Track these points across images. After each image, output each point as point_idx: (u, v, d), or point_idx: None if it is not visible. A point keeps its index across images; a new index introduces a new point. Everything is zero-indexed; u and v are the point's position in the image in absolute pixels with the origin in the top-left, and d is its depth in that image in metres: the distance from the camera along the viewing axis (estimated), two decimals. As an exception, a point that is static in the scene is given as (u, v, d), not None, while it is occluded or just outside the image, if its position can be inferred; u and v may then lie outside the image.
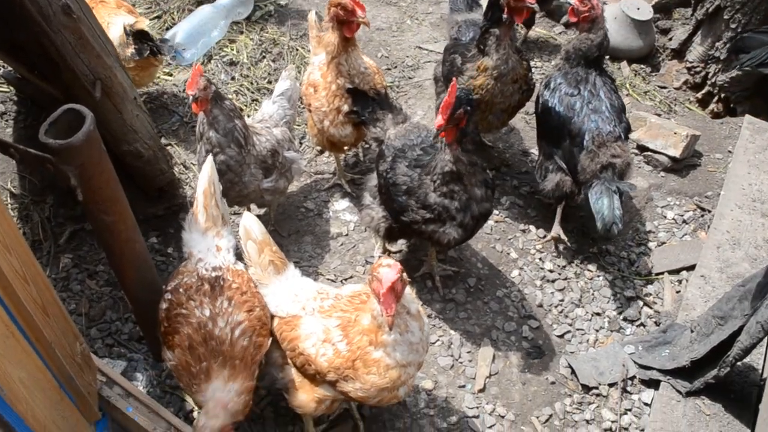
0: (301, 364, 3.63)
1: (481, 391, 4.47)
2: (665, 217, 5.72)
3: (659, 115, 6.58)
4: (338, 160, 5.71)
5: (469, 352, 4.66)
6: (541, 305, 5.00)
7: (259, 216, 5.48)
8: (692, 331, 4.41)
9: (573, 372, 4.61)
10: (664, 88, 7.16)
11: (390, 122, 4.70)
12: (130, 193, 5.46)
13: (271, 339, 3.75)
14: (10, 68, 6.23)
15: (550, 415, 4.39)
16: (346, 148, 5.61)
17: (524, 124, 6.48)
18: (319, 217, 5.53)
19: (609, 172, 4.69)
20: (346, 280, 5.04)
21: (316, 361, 3.52)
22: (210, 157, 4.03)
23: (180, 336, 3.51)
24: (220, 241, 3.95)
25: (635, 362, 4.62)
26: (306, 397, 3.73)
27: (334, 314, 3.60)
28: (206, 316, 3.54)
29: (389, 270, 3.08)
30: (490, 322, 4.85)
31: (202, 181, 3.92)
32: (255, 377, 3.62)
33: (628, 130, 4.99)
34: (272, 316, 3.82)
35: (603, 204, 4.55)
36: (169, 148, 6.04)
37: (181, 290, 3.70)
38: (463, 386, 4.49)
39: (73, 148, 3.14)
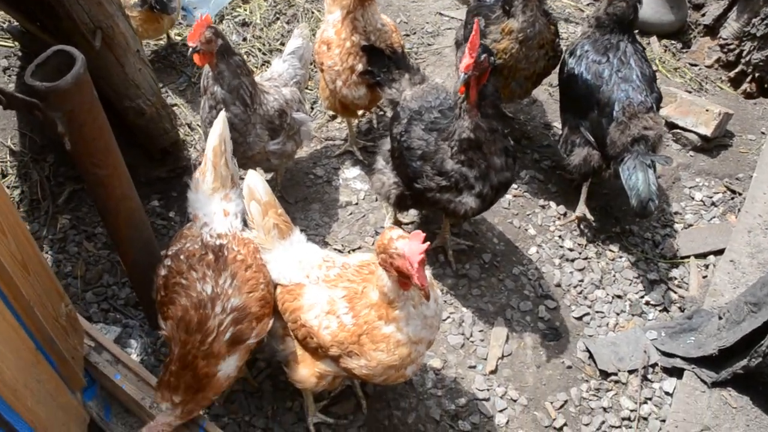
0: (303, 336, 3.38)
1: (493, 372, 4.22)
2: (693, 198, 5.41)
3: (689, 93, 6.24)
4: (350, 126, 5.43)
5: (481, 331, 4.40)
6: (559, 285, 4.73)
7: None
8: (721, 318, 4.13)
9: (591, 356, 4.35)
10: (695, 65, 6.81)
11: (406, 83, 4.40)
12: (132, 154, 5.28)
13: (272, 319, 3.49)
14: (15, 23, 5.99)
15: (566, 401, 4.14)
16: (359, 112, 5.33)
17: (547, 96, 6.17)
18: (329, 185, 5.27)
19: (641, 145, 4.38)
20: (354, 250, 4.79)
21: (318, 334, 3.27)
22: (223, 113, 3.75)
23: (176, 308, 3.27)
24: (228, 204, 3.67)
25: (657, 349, 4.34)
26: (307, 371, 3.49)
27: (340, 284, 3.35)
28: (207, 295, 3.27)
29: (413, 243, 2.79)
30: (504, 301, 4.59)
31: (212, 137, 3.64)
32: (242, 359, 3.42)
33: (659, 100, 4.67)
34: (275, 285, 3.56)
35: (637, 179, 4.25)
36: (175, 108, 5.77)
37: (182, 257, 3.44)
38: (474, 367, 4.24)
39: (61, 92, 2.89)
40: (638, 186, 4.23)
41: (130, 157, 5.15)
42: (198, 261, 3.38)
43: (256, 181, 3.55)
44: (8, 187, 5.16)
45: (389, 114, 4.83)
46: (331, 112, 5.81)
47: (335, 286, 3.34)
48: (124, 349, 4.26)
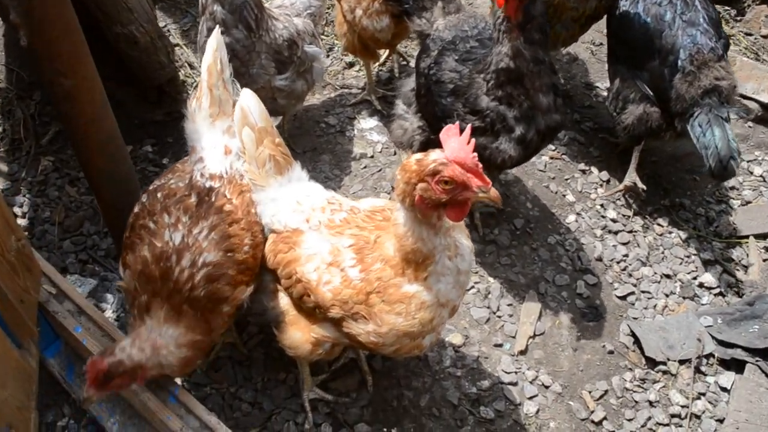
0: (299, 294, 2.79)
1: (522, 353, 3.62)
2: (752, 173, 4.79)
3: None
4: (369, 72, 4.82)
5: (509, 305, 3.80)
6: (600, 259, 4.11)
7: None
8: (792, 305, 3.51)
9: (636, 341, 3.75)
10: (750, 35, 6.15)
11: (439, 12, 3.78)
12: (125, 93, 4.79)
13: (250, 288, 2.91)
14: None
15: (606, 391, 3.53)
16: (380, 51, 4.72)
17: (589, 54, 5.53)
18: (342, 135, 4.66)
19: (713, 98, 3.73)
20: (366, 207, 4.18)
21: (317, 291, 2.69)
22: (217, 30, 3.15)
23: (134, 256, 2.71)
24: (231, 141, 3.08)
25: (714, 337, 3.73)
26: (300, 336, 2.91)
27: (346, 231, 2.75)
28: (173, 246, 2.70)
29: (452, 140, 2.31)
30: (537, 272, 3.98)
31: (207, 54, 3.06)
32: (214, 334, 2.86)
33: (727, 47, 4.02)
34: (270, 232, 2.97)
35: (713, 136, 3.62)
36: (177, 50, 5.19)
37: (159, 194, 2.87)
38: (500, 345, 3.64)
39: (13, -34, 2.30)
40: (715, 143, 3.60)
41: (123, 97, 4.71)
42: (176, 203, 2.80)
43: (250, 101, 2.93)
44: (-10, 125, 4.64)
45: (410, 55, 4.21)
46: (348, 58, 5.22)
47: (340, 234, 2.74)
48: (99, 303, 3.73)
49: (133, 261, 2.71)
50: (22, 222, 4.12)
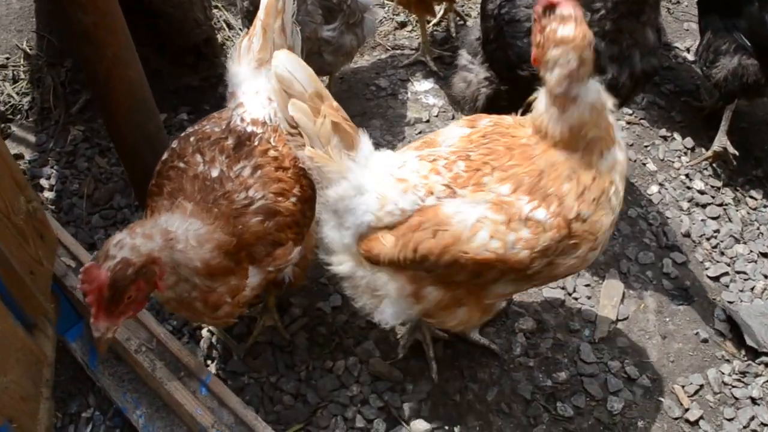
0: (470, 274, 2.26)
1: (604, 340, 3.15)
2: None
3: None
4: (424, 30, 4.37)
5: (587, 286, 3.33)
6: (687, 235, 3.61)
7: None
8: None
9: (733, 328, 3.25)
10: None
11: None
12: (160, 57, 4.44)
13: (298, 248, 2.49)
14: None
15: (701, 386, 3.05)
16: (437, 8, 4.26)
17: (665, 13, 4.97)
18: (394, 98, 4.22)
19: None
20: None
21: (509, 258, 2.18)
22: None
23: (162, 198, 2.29)
24: None
25: (826, 324, 3.20)
26: (467, 310, 2.44)
27: (486, 178, 2.21)
28: (210, 177, 2.30)
29: None
30: (618, 249, 3.49)
31: None
32: (246, 292, 2.41)
33: None
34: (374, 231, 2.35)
35: None
36: (216, 12, 4.82)
37: (192, 139, 2.48)
38: (578, 331, 3.17)
39: None
40: None
41: (158, 61, 4.35)
42: (210, 144, 2.41)
43: (289, 63, 2.24)
44: (18, 94, 4.34)
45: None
46: (400, 17, 4.77)
47: (482, 184, 2.21)
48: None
49: (160, 203, 2.31)
50: (49, 195, 3.80)
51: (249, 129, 2.51)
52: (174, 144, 2.51)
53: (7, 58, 4.60)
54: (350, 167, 2.29)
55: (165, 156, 2.50)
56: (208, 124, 2.56)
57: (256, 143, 2.45)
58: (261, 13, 2.68)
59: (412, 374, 2.99)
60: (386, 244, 2.27)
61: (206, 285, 2.20)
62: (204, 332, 3.14)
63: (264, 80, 2.64)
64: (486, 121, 2.41)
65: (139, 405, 2.72)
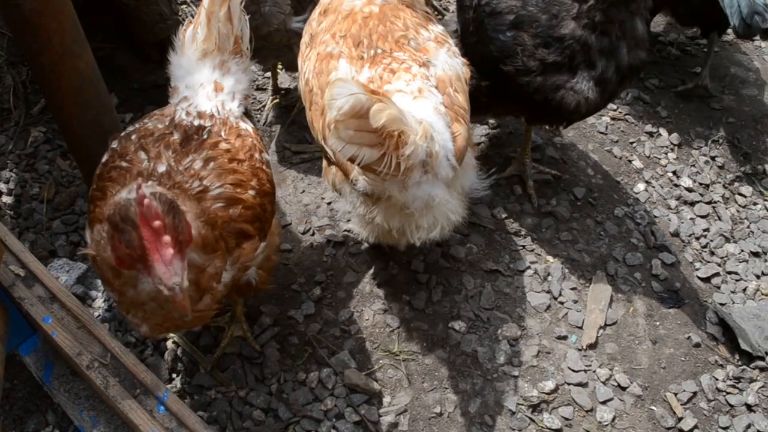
0: None
1: (592, 346, 2.98)
2: None
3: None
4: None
5: (574, 289, 3.16)
6: (676, 234, 3.46)
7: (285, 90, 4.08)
8: None
9: (726, 332, 3.11)
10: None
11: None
12: (125, 53, 4.24)
13: (261, 246, 2.31)
14: None
15: (694, 393, 2.90)
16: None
17: (649, 7, 4.83)
18: (369, 95, 4.03)
19: None
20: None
21: None
22: None
23: (105, 203, 2.07)
24: (225, 78, 2.54)
25: (821, 326, 3.07)
26: None
27: None
28: (158, 172, 2.10)
29: None
30: (605, 250, 3.33)
31: None
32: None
33: None
34: None
35: None
36: (184, 8, 4.61)
37: (133, 137, 2.27)
38: (565, 338, 3.00)
39: None
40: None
41: (122, 58, 4.15)
42: (155, 141, 2.20)
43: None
44: (-23, 94, 4.12)
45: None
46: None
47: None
48: (88, 291, 3.18)
49: (103, 210, 2.05)
50: (7, 200, 3.59)
51: (196, 123, 2.32)
52: (113, 144, 2.30)
53: (-38, 63, 4.38)
54: None
55: (105, 158, 2.28)
56: (149, 121, 2.36)
57: (205, 137, 2.26)
58: (205, 0, 2.49)
59: (389, 386, 2.82)
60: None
61: (201, 259, 1.99)
62: (169, 344, 2.94)
63: (209, 70, 2.46)
64: None
65: (96, 423, 2.52)
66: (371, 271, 3.17)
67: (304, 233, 3.32)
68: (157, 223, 1.64)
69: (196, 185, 2.08)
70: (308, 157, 3.67)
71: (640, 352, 3.00)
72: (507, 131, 3.83)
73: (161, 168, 2.10)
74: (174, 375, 2.86)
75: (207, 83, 2.46)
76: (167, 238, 1.65)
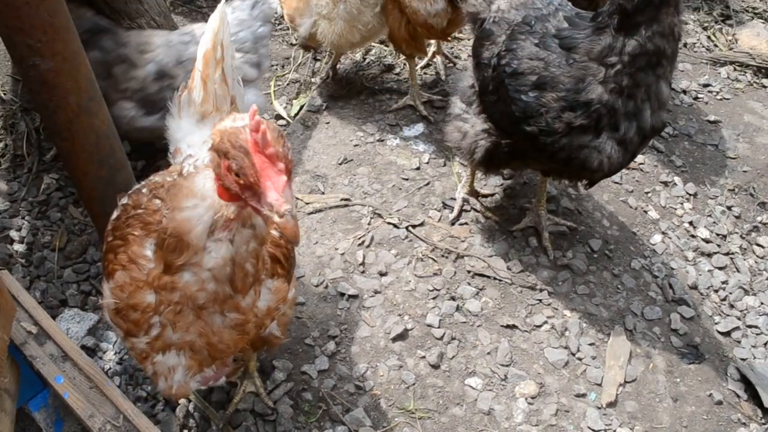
0: None
1: (612, 405, 2.92)
2: None
3: None
4: (413, 72, 4.21)
5: (591, 345, 3.11)
6: (695, 287, 3.41)
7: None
8: None
9: (749, 388, 3.04)
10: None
11: (498, -11, 3.14)
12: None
13: (292, 291, 2.27)
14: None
15: (718, 453, 2.82)
16: (429, 44, 4.12)
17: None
18: (382, 144, 4.03)
19: None
20: (414, 227, 3.54)
21: None
22: (222, 5, 2.56)
23: (129, 247, 2.04)
24: None
25: None
26: None
27: None
28: None
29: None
30: (622, 304, 3.28)
31: (205, 38, 2.47)
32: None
33: None
34: None
35: None
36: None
37: (144, 190, 2.26)
38: (584, 395, 2.94)
39: None
40: None
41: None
42: (167, 191, 2.18)
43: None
44: (-9, 139, 4.14)
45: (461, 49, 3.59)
46: (387, 61, 4.63)
47: None
48: (99, 343, 3.14)
49: (124, 257, 2.03)
50: (19, 247, 3.57)
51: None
52: (123, 200, 2.27)
53: (-21, 105, 4.41)
54: None
55: (116, 214, 2.23)
56: (157, 177, 2.34)
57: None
58: (199, 64, 2.48)
59: (404, 444, 2.75)
60: None
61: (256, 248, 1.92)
62: (180, 399, 2.89)
63: (209, 129, 2.45)
64: None
65: (105, 485, 2.46)
66: (386, 324, 3.12)
67: (317, 285, 3.29)
68: (270, 150, 1.59)
69: None
70: (320, 207, 3.65)
71: (661, 411, 2.93)
72: (521, 181, 3.82)
73: None
74: (185, 431, 2.81)
75: (209, 140, 2.45)
76: (281, 165, 1.59)
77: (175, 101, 2.56)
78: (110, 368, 3.01)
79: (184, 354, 2.06)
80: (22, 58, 2.14)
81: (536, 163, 3.07)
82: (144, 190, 2.23)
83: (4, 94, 4.46)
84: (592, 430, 2.82)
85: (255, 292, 2.02)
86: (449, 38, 4.35)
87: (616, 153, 2.69)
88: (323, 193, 3.73)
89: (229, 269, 1.85)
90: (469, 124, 3.17)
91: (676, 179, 3.93)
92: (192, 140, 2.47)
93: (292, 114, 4.31)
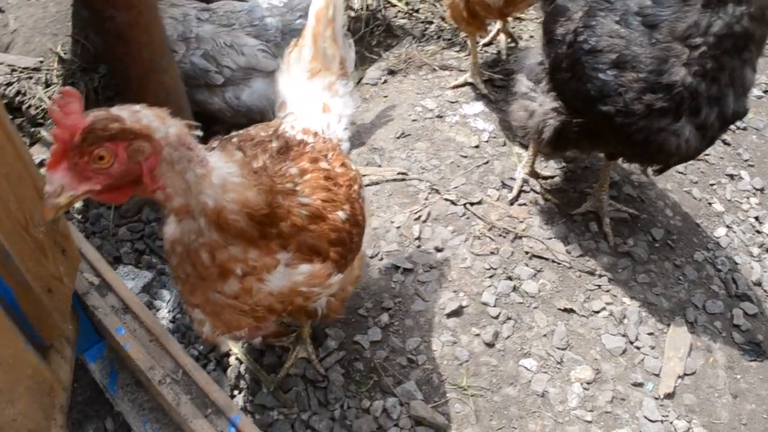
0: None
1: (669, 396, 2.85)
2: None
3: None
4: (474, 50, 4.13)
5: (650, 335, 3.04)
6: (759, 283, 3.31)
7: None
8: None
9: (812, 390, 2.94)
10: None
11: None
12: None
13: (336, 278, 2.20)
14: None
15: (778, 454, 2.74)
16: (489, 22, 4.05)
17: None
18: (441, 121, 3.98)
19: None
20: (472, 204, 3.48)
21: None
22: None
23: None
24: (332, 99, 2.53)
25: None
26: None
27: None
28: (253, 167, 2.06)
29: None
30: (684, 296, 3.20)
31: None
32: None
33: None
34: None
35: None
36: None
37: (234, 140, 2.26)
38: (641, 385, 2.88)
39: None
40: None
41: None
42: (253, 145, 2.17)
43: None
44: (49, 98, 4.17)
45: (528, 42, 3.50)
46: (447, 36, 4.56)
47: None
48: (152, 301, 3.16)
49: None
50: (75, 204, 3.58)
51: (299, 137, 2.30)
52: (213, 144, 2.28)
53: (41, 62, 4.44)
54: None
55: None
56: (253, 129, 2.34)
57: (306, 150, 2.23)
58: (311, 21, 2.50)
59: (456, 421, 2.72)
60: None
61: (214, 237, 1.81)
62: (232, 360, 2.90)
63: (317, 90, 2.45)
64: None
65: (160, 439, 2.48)
66: (440, 300, 3.08)
67: (372, 257, 3.26)
68: (58, 132, 1.51)
69: (288, 185, 2.02)
70: (377, 179, 3.61)
71: (719, 406, 2.85)
72: (582, 165, 3.73)
73: (256, 164, 2.05)
74: (236, 392, 2.81)
75: (315, 102, 2.46)
76: (58, 148, 1.52)
77: (285, 57, 2.59)
78: (163, 326, 3.02)
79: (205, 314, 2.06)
80: (99, 10, 2.13)
81: (607, 144, 2.99)
82: (234, 140, 2.23)
83: (64, 54, 4.49)
84: (649, 420, 2.75)
85: (241, 282, 1.96)
86: (508, 18, 4.28)
87: (695, 138, 2.60)
88: (380, 166, 3.69)
89: (180, 249, 1.83)
90: (536, 102, 3.10)
91: (743, 173, 3.81)
92: (299, 97, 2.50)
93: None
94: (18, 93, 4.22)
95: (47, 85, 4.31)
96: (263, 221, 1.84)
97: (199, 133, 1.74)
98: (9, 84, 4.26)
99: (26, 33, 4.58)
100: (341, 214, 2.14)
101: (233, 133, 2.33)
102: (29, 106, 4.16)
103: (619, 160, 3.39)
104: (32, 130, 4.00)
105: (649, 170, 3.20)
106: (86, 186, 1.55)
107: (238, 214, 1.77)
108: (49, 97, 4.23)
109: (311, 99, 2.45)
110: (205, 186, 1.69)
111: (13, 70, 4.39)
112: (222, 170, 1.73)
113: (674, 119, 2.58)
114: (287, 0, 3.52)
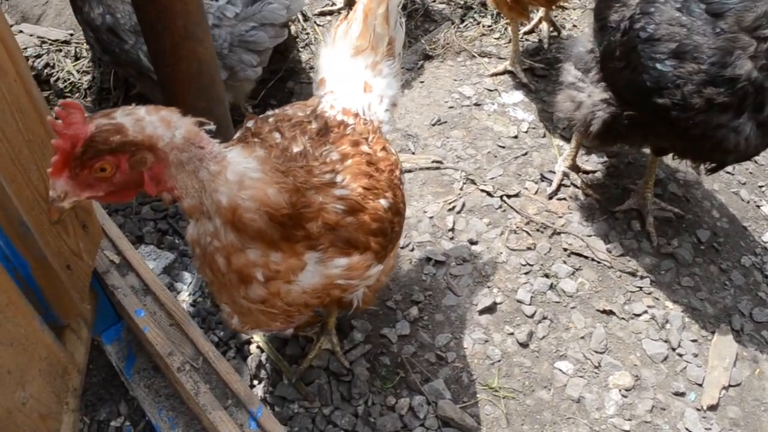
0: None
1: (713, 408, 2.69)
2: None
3: None
4: (515, 37, 3.97)
5: (694, 341, 2.88)
6: (809, 292, 3.14)
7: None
8: None
9: None
10: None
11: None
12: None
13: (376, 269, 2.09)
14: None
15: (825, 474, 2.57)
16: (532, 9, 3.90)
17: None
18: (479, 109, 3.83)
19: None
20: (509, 197, 3.34)
21: None
22: None
23: None
24: (375, 79, 2.41)
25: None
26: None
27: None
28: (292, 150, 1.96)
29: None
30: (730, 302, 3.03)
31: None
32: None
33: None
34: None
35: None
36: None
37: (271, 119, 2.14)
38: (683, 394, 2.72)
39: None
40: None
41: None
42: (291, 126, 2.05)
43: None
44: (78, 72, 4.07)
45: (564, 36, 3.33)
46: (487, 22, 4.39)
47: None
48: (173, 283, 3.06)
49: None
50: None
51: (339, 118, 2.17)
52: (248, 124, 2.16)
53: (71, 35, 4.37)
54: None
55: (236, 135, 2.16)
56: (290, 109, 2.23)
57: (346, 133, 2.10)
58: None
59: (486, 424, 2.59)
60: None
61: (230, 240, 1.71)
62: (253, 347, 2.79)
63: (360, 69, 2.32)
64: None
65: (175, 426, 2.37)
66: (473, 295, 2.95)
67: (403, 247, 3.13)
68: (60, 142, 1.51)
69: (327, 177, 1.90)
70: (410, 167, 3.48)
71: (765, 421, 2.69)
72: (625, 161, 3.57)
73: (296, 149, 1.94)
74: (256, 382, 2.70)
75: (357, 81, 2.33)
76: (60, 158, 1.52)
77: (332, 30, 2.48)
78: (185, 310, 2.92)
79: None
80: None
81: (660, 139, 2.82)
82: (270, 120, 2.12)
83: (95, 27, 4.40)
84: (689, 430, 2.60)
85: (265, 287, 1.86)
86: (554, 6, 4.11)
87: (755, 136, 2.43)
88: (413, 153, 3.56)
89: (198, 251, 1.78)
90: (585, 93, 2.94)
91: (794, 175, 3.62)
92: (340, 74, 2.38)
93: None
94: (47, 65, 4.15)
95: (76, 58, 4.24)
96: (285, 222, 1.72)
97: (212, 127, 1.66)
98: (38, 56, 4.19)
99: (58, 5, 4.50)
100: (383, 202, 2.01)
101: (269, 113, 2.21)
102: (57, 79, 4.08)
103: (667, 157, 3.22)
104: (59, 102, 3.92)
105: (701, 168, 3.03)
106: (89, 193, 1.57)
107: (256, 213, 1.66)
108: (78, 71, 4.15)
109: (353, 77, 2.33)
110: (219, 183, 1.60)
111: (43, 43, 4.32)
112: (239, 165, 1.63)
113: (735, 115, 2.41)
114: (239, 11, 3.37)
